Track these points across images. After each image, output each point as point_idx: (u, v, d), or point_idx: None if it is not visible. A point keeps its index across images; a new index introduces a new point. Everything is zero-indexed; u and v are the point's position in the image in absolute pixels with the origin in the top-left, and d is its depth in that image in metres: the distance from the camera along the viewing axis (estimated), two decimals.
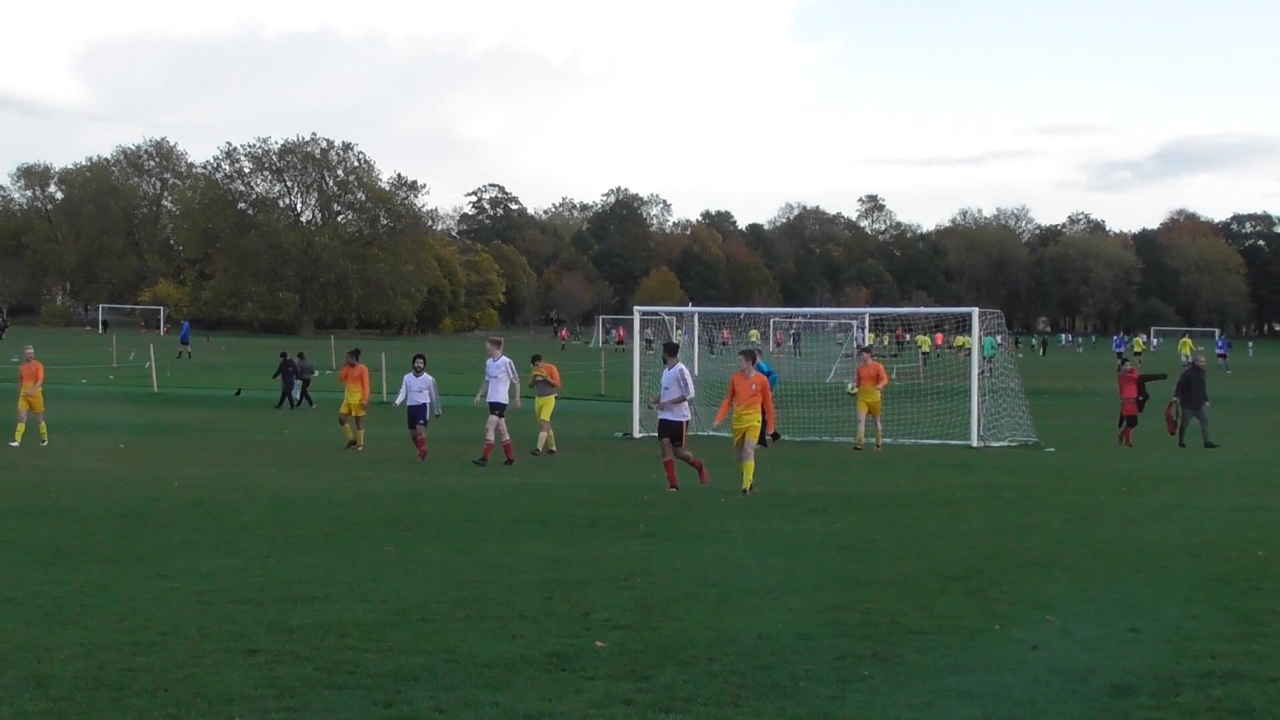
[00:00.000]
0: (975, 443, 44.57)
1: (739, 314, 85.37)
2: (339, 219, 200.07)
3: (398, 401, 39.29)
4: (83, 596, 16.45)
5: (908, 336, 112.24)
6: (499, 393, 36.97)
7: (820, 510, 26.29)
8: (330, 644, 13.83)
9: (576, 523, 24.22)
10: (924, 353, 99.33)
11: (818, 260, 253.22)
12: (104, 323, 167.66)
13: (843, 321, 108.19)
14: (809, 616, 15.54)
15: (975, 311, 48.00)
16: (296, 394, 64.42)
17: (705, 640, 14.24)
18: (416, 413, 38.49)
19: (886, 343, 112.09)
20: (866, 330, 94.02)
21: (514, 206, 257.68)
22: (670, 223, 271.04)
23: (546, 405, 40.55)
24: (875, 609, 15.98)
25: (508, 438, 37.07)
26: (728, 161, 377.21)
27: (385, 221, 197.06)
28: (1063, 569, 19.24)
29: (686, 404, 29.84)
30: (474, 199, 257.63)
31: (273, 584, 17.42)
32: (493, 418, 36.76)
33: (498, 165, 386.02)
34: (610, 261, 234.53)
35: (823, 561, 19.83)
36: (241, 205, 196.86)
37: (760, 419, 29.30)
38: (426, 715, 11.37)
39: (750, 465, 28.82)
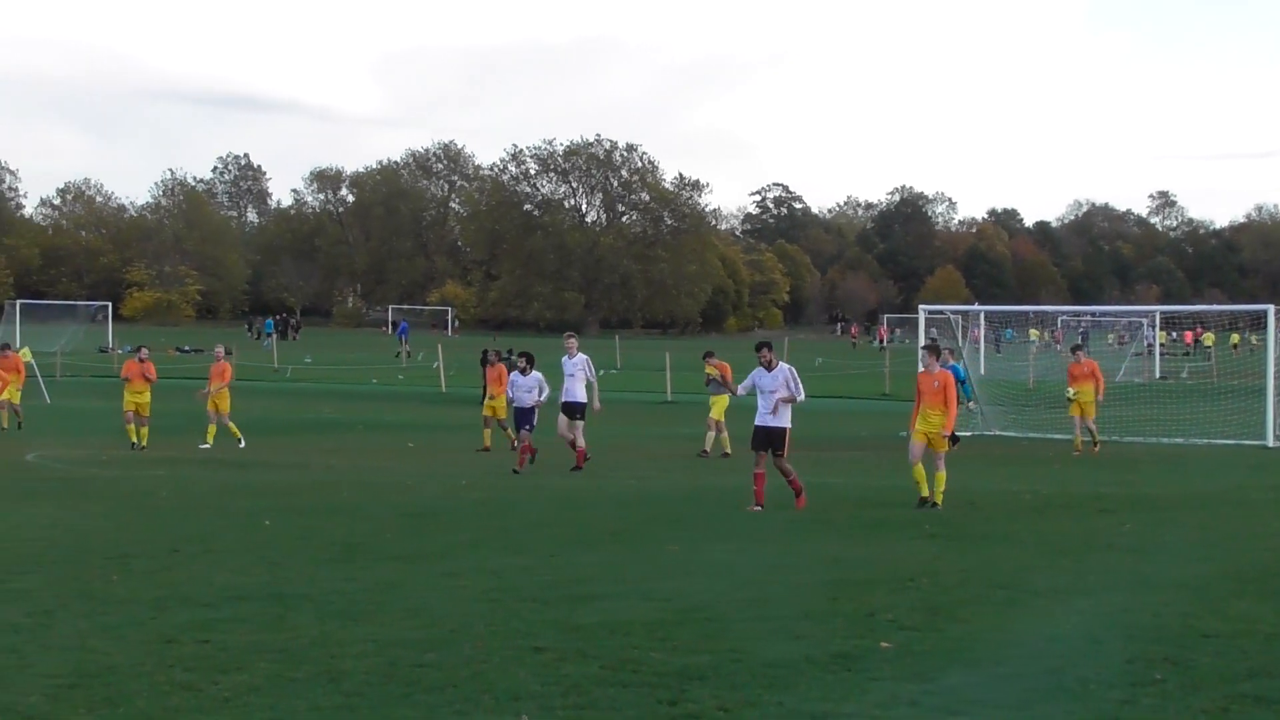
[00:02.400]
0: (1271, 442, 43.52)
1: (1026, 312, 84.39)
2: (623, 219, 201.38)
3: (510, 393, 36.00)
4: (374, 593, 16.71)
5: (1200, 333, 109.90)
6: (574, 392, 34.91)
7: (1109, 511, 25.88)
8: (615, 642, 13.89)
9: (860, 523, 24.11)
10: (1206, 348, 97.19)
11: (1106, 258, 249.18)
12: (393, 323, 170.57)
13: (1132, 320, 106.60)
14: (1099, 619, 15.29)
15: (1271, 309, 46.89)
16: None
17: (992, 642, 14.09)
18: (523, 416, 34.82)
19: (1114, 338, 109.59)
20: (1156, 329, 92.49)
21: (798, 205, 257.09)
22: (955, 221, 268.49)
23: (719, 404, 39.26)
24: (1167, 612, 15.67)
25: (582, 443, 34.84)
26: (1015, 158, 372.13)
27: (669, 221, 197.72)
28: None
29: (789, 409, 26.18)
30: (758, 198, 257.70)
31: (559, 582, 17.55)
32: (562, 418, 34.93)
33: (782, 164, 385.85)
34: (895, 260, 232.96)
35: (1112, 563, 19.52)
36: (527, 207, 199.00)
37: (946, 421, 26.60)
38: (711, 714, 11.36)
39: (942, 476, 26.42)
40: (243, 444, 40.97)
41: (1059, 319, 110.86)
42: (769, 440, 25.93)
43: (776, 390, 25.85)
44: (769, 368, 26.04)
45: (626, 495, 28.41)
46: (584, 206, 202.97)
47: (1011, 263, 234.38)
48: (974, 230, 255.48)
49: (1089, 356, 44.62)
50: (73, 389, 67.21)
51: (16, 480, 31.82)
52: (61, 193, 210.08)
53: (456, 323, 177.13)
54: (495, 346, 49.63)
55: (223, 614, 15.32)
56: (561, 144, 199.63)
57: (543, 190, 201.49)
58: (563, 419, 34.97)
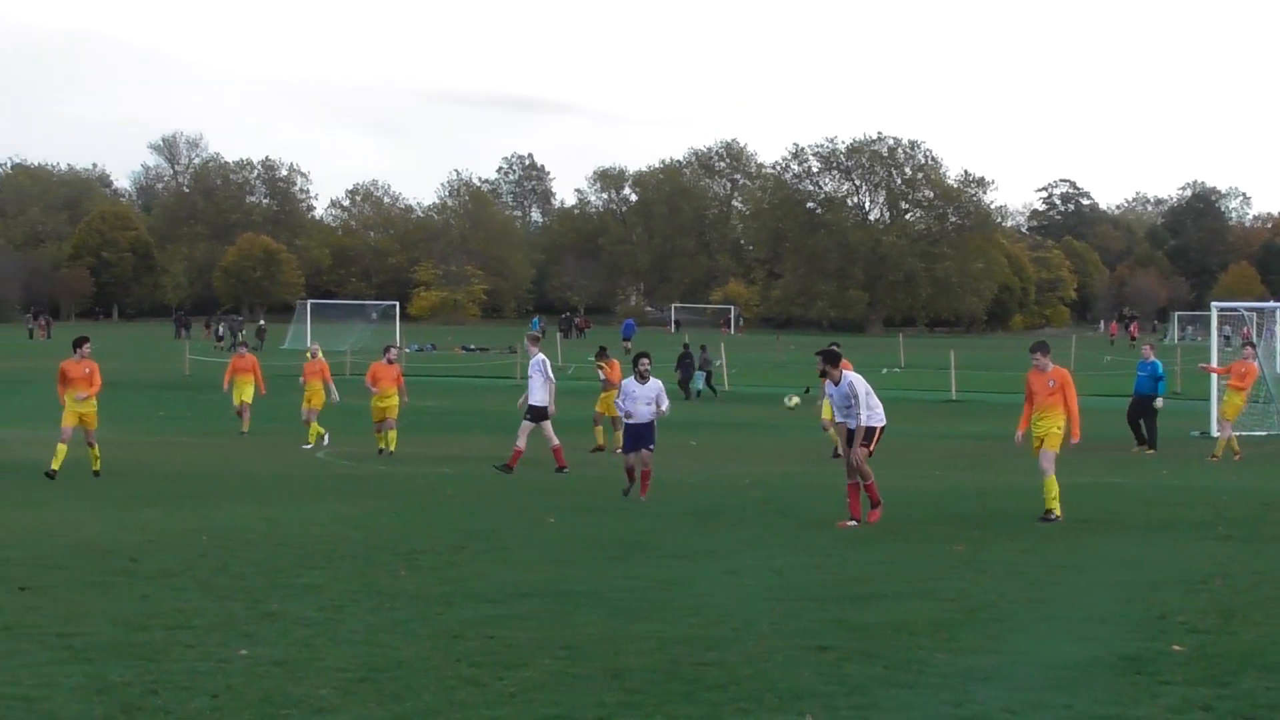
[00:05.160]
0: None
1: None
2: (906, 217, 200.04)
3: (621, 407, 28.71)
4: (656, 591, 16.76)
5: None
6: (535, 395, 32.92)
7: None
8: (899, 642, 13.78)
9: (1150, 523, 23.66)
10: None
11: None
12: (676, 322, 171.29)
13: None
14: None
15: None
16: (699, 384, 68.21)
17: None
18: (639, 433, 27.99)
19: None
20: None
21: (1085, 202, 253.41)
22: (1250, 216, 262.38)
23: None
24: None
25: (556, 442, 33.32)
26: None
27: (953, 219, 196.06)
28: None
29: (865, 409, 23.69)
30: (1044, 195, 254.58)
31: (841, 581, 17.48)
32: (525, 423, 32.89)
33: (1069, 160, 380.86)
34: (1186, 257, 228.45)
35: None
36: (810, 204, 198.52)
37: (1062, 424, 24.37)
38: (997, 716, 11.22)
39: (1051, 482, 24.00)
40: (310, 446, 40.45)
41: None
42: (850, 439, 24.01)
43: (849, 404, 23.94)
44: (836, 382, 24.14)
45: (910, 494, 28.16)
46: (867, 204, 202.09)
47: None
48: (1270, 225, 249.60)
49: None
50: (362, 387, 68.43)
51: (307, 477, 32.49)
52: (351, 194, 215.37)
53: (740, 321, 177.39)
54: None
55: (508, 610, 15.47)
56: (844, 141, 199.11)
57: (825, 188, 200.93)
58: (524, 423, 33.20)
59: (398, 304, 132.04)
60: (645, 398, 28.05)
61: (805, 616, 15.12)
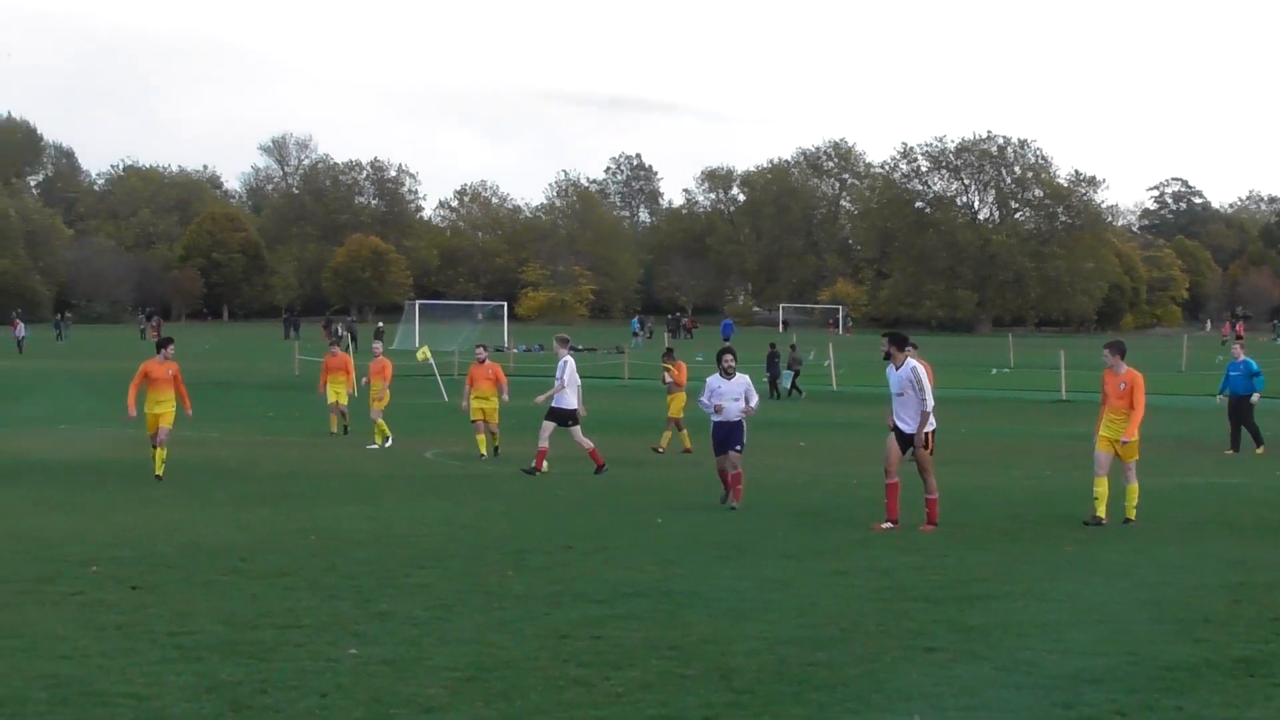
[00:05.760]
0: None
1: None
2: (1016, 216, 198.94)
3: (705, 405, 26.86)
4: (764, 591, 16.73)
5: None
6: (561, 397, 32.77)
7: None
8: (1009, 643, 13.71)
9: (1264, 524, 23.42)
10: None
11: None
12: (784, 322, 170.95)
13: None
14: None
15: None
16: (786, 384, 68.35)
17: None
18: (727, 433, 26.53)
19: None
20: None
21: (1197, 200, 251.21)
22: None
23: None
24: None
25: (545, 445, 32.76)
26: None
27: (1063, 218, 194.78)
28: None
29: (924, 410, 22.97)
30: (1156, 193, 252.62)
31: (950, 582, 17.38)
32: (574, 429, 32.84)
33: (1181, 159, 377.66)
34: None
35: None
36: (919, 204, 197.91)
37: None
38: (1108, 718, 11.14)
39: (1133, 489, 23.46)
40: (389, 443, 40.51)
41: None
42: (906, 444, 23.18)
43: (902, 393, 23.10)
44: (898, 366, 23.06)
45: (1020, 494, 28.02)
46: (976, 204, 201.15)
47: None
48: None
49: None
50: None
51: (415, 478, 32.60)
52: (459, 195, 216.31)
53: (849, 321, 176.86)
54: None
55: (615, 610, 15.47)
56: (953, 141, 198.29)
57: (934, 187, 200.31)
58: (546, 424, 33.01)
59: (505, 304, 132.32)
60: (732, 394, 26.58)
61: (914, 617, 15.06)
